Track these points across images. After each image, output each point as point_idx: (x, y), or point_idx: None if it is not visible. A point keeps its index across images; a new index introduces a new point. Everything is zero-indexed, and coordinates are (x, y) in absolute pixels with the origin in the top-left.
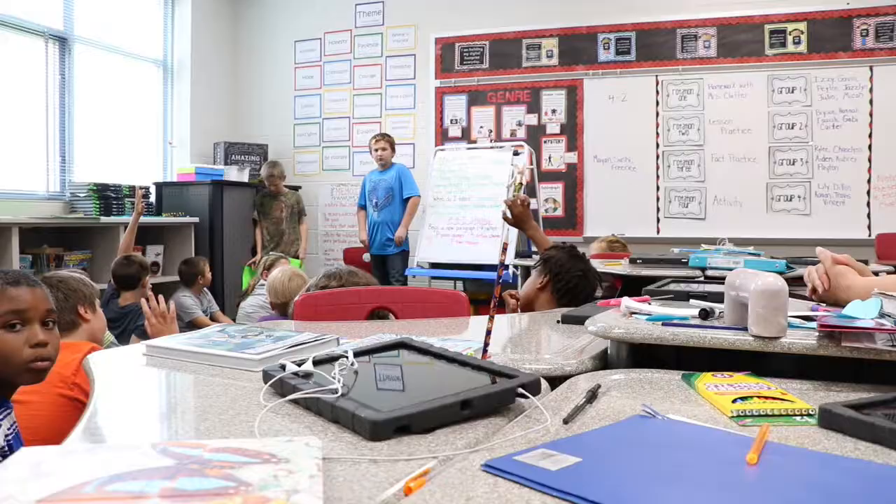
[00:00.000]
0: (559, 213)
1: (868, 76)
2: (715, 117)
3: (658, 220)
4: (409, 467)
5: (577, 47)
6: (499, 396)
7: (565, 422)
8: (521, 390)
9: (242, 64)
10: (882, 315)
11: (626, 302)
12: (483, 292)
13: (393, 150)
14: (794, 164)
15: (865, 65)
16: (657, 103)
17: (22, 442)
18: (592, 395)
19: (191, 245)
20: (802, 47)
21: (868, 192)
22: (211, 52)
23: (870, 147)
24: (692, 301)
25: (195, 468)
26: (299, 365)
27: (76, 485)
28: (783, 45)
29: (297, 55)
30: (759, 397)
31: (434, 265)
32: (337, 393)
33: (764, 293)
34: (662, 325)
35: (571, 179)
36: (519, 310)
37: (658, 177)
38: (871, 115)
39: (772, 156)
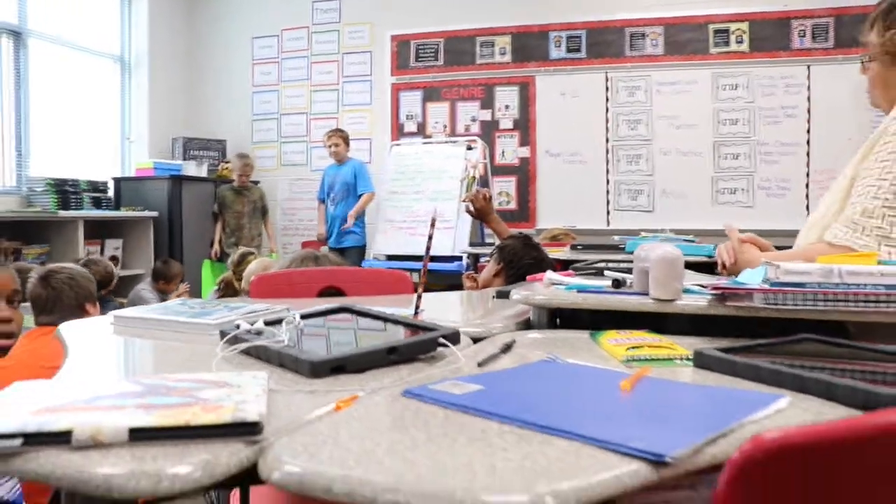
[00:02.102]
0: (512, 205)
1: (806, 74)
2: (662, 113)
3: (608, 212)
4: (341, 396)
5: (530, 45)
6: (421, 344)
7: (479, 365)
8: (441, 340)
9: (200, 60)
10: (765, 280)
11: (549, 275)
12: (438, 283)
13: (347, 144)
14: (737, 158)
15: (803, 64)
16: (607, 99)
17: None
18: (507, 348)
19: (150, 239)
20: (745, 46)
21: (807, 185)
22: (169, 47)
23: (808, 142)
24: (607, 273)
25: (163, 391)
26: (252, 324)
27: (67, 402)
28: (726, 44)
29: (255, 51)
30: (649, 347)
31: (390, 257)
32: (283, 343)
33: (662, 261)
34: (577, 292)
35: (524, 173)
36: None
37: (608, 171)
38: (808, 111)
39: (716, 150)
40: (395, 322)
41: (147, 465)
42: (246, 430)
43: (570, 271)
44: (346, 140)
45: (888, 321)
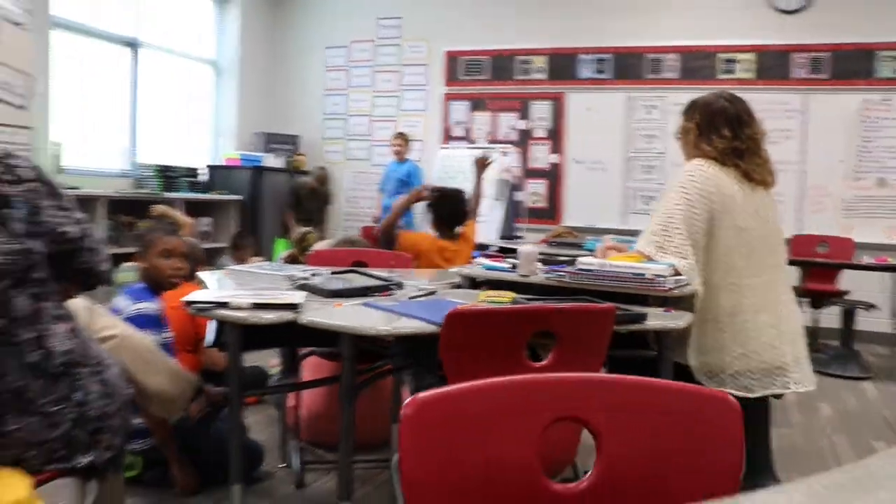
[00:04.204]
0: (543, 204)
1: (802, 101)
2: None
3: (624, 214)
4: (338, 302)
5: (563, 65)
6: (382, 287)
7: (410, 298)
8: (393, 287)
9: (281, 65)
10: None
11: (479, 259)
12: None
13: (408, 146)
14: None
15: (801, 92)
16: (627, 116)
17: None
18: (430, 293)
19: (236, 219)
20: (751, 74)
21: (800, 199)
22: (255, 54)
23: (804, 161)
24: (507, 259)
25: (264, 294)
26: (306, 277)
27: (223, 294)
28: (732, 71)
29: (328, 59)
30: (499, 297)
31: None
32: (319, 283)
33: (522, 253)
34: (486, 269)
35: (553, 177)
36: None
37: (625, 178)
38: (806, 134)
39: None
40: (376, 278)
41: (258, 314)
42: (295, 307)
43: (500, 255)
44: (408, 142)
45: (630, 292)
